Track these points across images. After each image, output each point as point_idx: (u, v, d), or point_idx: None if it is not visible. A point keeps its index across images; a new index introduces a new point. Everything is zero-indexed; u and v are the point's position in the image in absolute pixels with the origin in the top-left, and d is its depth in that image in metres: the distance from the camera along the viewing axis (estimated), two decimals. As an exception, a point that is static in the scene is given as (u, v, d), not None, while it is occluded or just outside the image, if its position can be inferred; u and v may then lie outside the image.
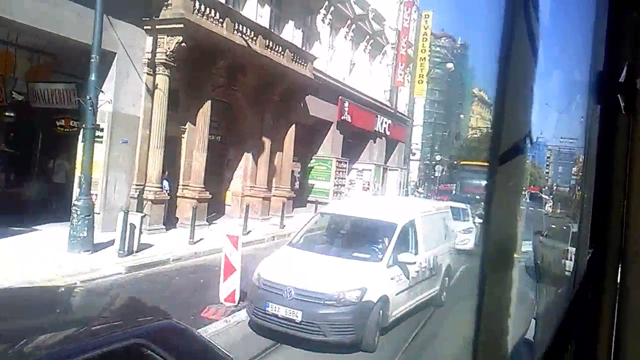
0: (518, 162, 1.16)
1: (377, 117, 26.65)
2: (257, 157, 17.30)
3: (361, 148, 26.51)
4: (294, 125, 18.64)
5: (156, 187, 12.64)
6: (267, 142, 17.31)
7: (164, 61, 12.38)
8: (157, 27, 12.33)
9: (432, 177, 42.63)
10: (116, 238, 9.71)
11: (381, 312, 6.28)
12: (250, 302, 6.54)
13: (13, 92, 12.27)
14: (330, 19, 21.77)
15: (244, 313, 6.82)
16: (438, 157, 44.48)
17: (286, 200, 17.84)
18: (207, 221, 14.28)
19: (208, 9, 13.15)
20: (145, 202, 12.34)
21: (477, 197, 19.76)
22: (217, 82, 14.60)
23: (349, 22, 23.30)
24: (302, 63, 18.06)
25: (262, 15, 17.39)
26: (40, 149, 13.53)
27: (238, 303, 7.19)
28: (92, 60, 9.57)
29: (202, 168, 14.23)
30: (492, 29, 1.12)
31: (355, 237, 7.78)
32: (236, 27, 14.39)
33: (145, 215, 11.51)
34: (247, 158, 17.44)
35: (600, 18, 1.11)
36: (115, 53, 11.65)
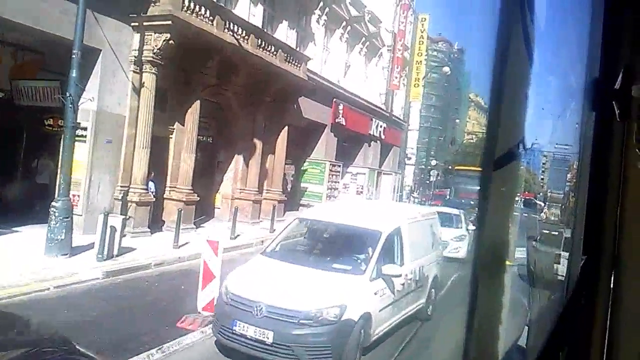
0: (512, 168, 1.16)
1: (372, 120, 26.36)
2: (248, 159, 16.93)
3: (355, 151, 26.21)
4: (286, 127, 18.29)
5: (141, 188, 12.27)
6: (259, 144, 16.95)
7: (151, 59, 12.03)
8: (144, 24, 11.98)
9: (427, 182, 42.50)
10: (95, 241, 9.35)
11: (362, 331, 5.64)
12: (216, 319, 5.91)
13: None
14: (325, 20, 21.45)
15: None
16: (433, 162, 44.39)
17: (277, 203, 17.46)
18: (194, 224, 13.91)
19: (197, 6, 12.80)
20: (129, 204, 11.96)
21: (472, 202, 19.56)
22: (207, 82, 14.25)
23: (344, 23, 22.99)
24: (296, 64, 17.73)
25: (254, 15, 17.05)
26: (25, 148, 13.13)
27: (217, 312, 6.82)
28: (74, 56, 9.26)
29: (191, 169, 13.88)
30: (488, 34, 1.13)
31: (335, 245, 7.20)
32: (227, 25, 14.05)
33: (128, 217, 11.17)
34: (237, 160, 17.08)
35: (596, 24, 1.13)
36: (101, 50, 11.37)
